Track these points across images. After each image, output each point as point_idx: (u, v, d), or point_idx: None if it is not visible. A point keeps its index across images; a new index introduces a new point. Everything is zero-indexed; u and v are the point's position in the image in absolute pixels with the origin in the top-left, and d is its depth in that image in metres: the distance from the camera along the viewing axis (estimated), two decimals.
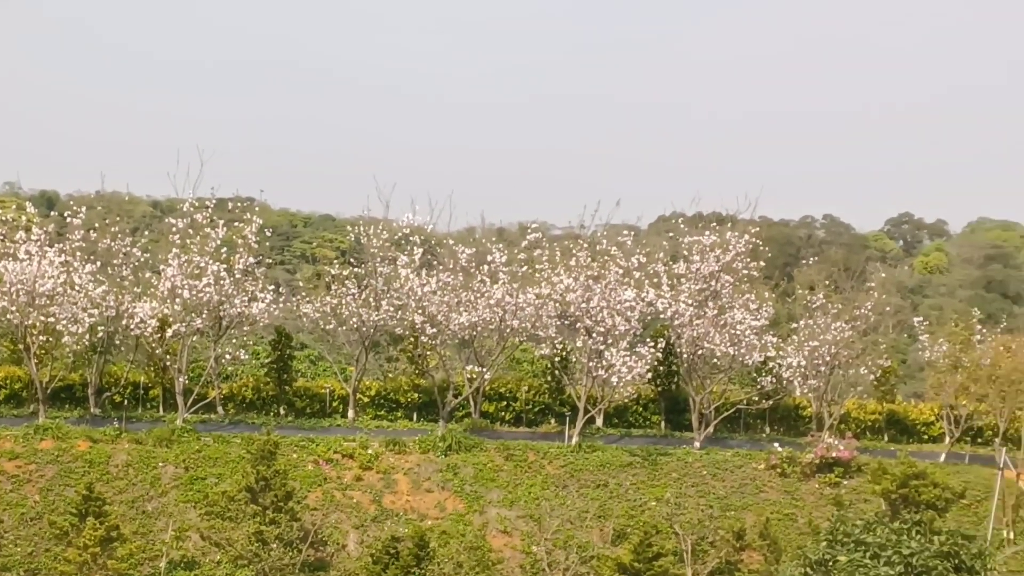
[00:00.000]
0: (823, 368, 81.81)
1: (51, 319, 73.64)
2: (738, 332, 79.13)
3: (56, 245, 76.25)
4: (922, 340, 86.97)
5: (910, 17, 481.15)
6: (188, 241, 76.25)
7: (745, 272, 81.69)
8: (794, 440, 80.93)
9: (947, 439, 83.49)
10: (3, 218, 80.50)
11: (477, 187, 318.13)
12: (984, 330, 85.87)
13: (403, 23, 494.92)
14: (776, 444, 78.80)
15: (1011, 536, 73.78)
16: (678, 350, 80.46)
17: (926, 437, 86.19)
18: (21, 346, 75.37)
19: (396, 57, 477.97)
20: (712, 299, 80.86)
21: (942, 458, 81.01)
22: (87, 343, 75.65)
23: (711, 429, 79.90)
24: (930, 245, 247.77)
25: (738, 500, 73.90)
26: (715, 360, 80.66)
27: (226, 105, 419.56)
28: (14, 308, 73.41)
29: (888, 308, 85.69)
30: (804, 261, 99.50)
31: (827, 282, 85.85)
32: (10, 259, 74.48)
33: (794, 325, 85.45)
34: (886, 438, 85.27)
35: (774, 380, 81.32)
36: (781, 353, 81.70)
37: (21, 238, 75.65)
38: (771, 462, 76.91)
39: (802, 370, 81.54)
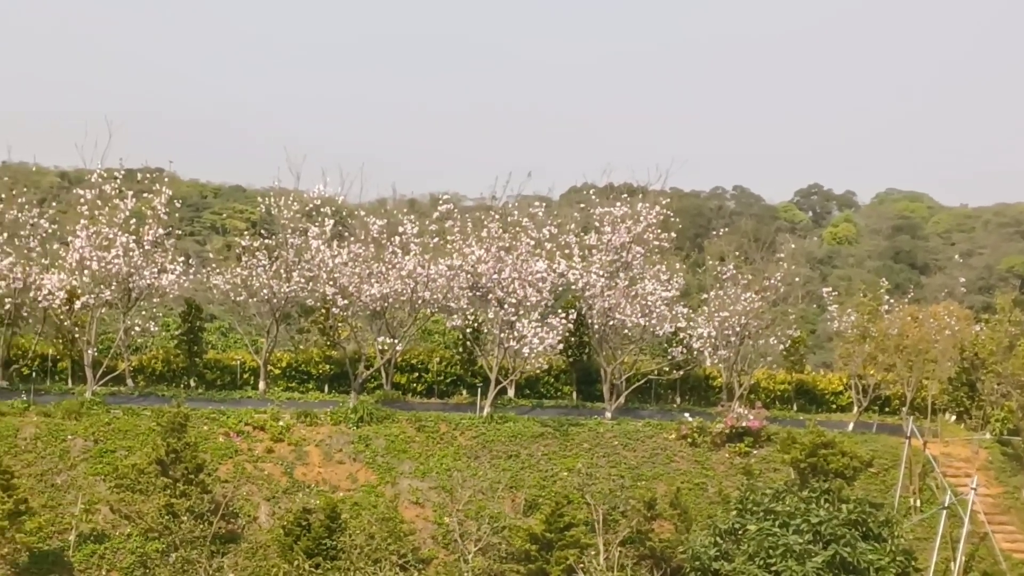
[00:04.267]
0: (733, 338, 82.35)
1: None
2: (649, 303, 79.43)
3: None
4: (831, 310, 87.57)
5: None
6: (96, 212, 75.49)
7: (656, 243, 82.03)
8: (704, 410, 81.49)
9: (855, 408, 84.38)
10: None
11: (389, 158, 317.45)
12: (892, 300, 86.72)
13: None
14: (687, 414, 79.23)
15: (917, 504, 74.68)
16: (589, 321, 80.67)
17: (834, 407, 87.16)
18: None
19: (305, 26, 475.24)
20: (623, 270, 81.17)
21: (850, 427, 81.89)
22: None
23: (622, 400, 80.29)
24: (839, 216, 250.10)
25: (649, 470, 74.32)
26: (626, 331, 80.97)
27: (134, 74, 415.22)
28: None
29: (797, 279, 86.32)
30: (714, 232, 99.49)
31: (737, 253, 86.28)
32: None
33: (704, 296, 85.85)
34: (795, 408, 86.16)
35: (685, 351, 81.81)
36: (692, 324, 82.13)
37: None
38: (682, 432, 77.36)
39: (712, 340, 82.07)
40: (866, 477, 73.42)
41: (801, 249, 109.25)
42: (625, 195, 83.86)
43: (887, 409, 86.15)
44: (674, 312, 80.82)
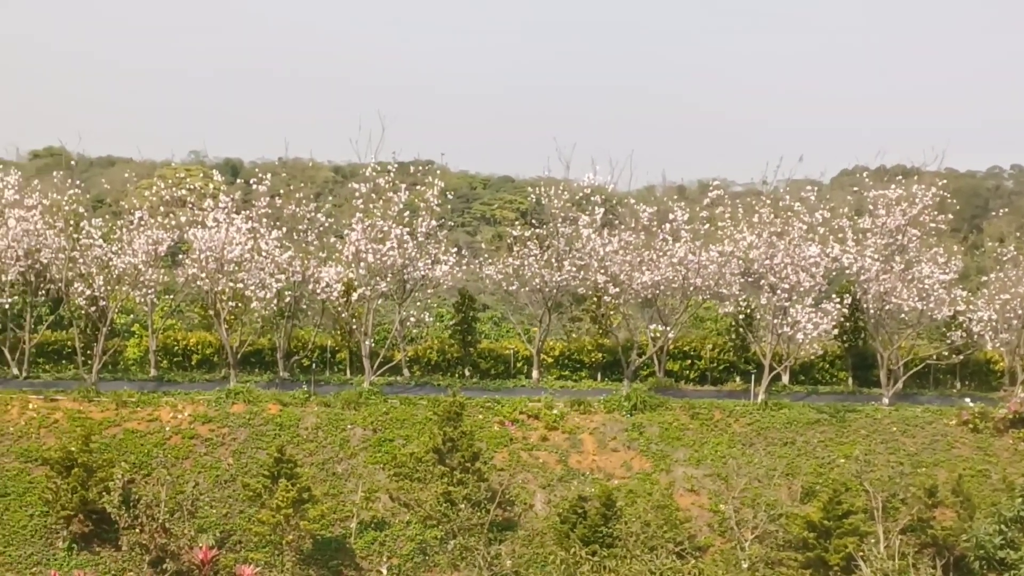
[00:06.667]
0: (1015, 321, 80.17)
1: (240, 285, 75.09)
2: (926, 286, 77.70)
3: (243, 212, 77.58)
4: None
5: None
6: (371, 205, 77.03)
7: (932, 225, 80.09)
8: (986, 395, 79.48)
9: None
10: (191, 186, 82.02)
11: (655, 145, 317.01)
12: None
13: None
14: (967, 399, 77.33)
15: None
16: (864, 306, 79.32)
17: None
18: (211, 312, 77.05)
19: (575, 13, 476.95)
20: (899, 253, 79.55)
21: None
22: (275, 308, 76.93)
23: (900, 385, 78.75)
24: None
25: (929, 457, 72.60)
26: (903, 315, 79.40)
27: (402, 69, 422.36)
28: (204, 275, 74.98)
29: None
30: (993, 213, 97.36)
31: (1018, 233, 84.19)
32: (199, 227, 75.99)
33: (984, 278, 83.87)
34: None
35: (964, 334, 79.87)
36: (971, 307, 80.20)
37: (209, 206, 77.16)
38: (962, 418, 75.38)
39: (993, 324, 80.00)
40: None
41: None
42: (899, 177, 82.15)
43: None
44: (952, 295, 78.96)
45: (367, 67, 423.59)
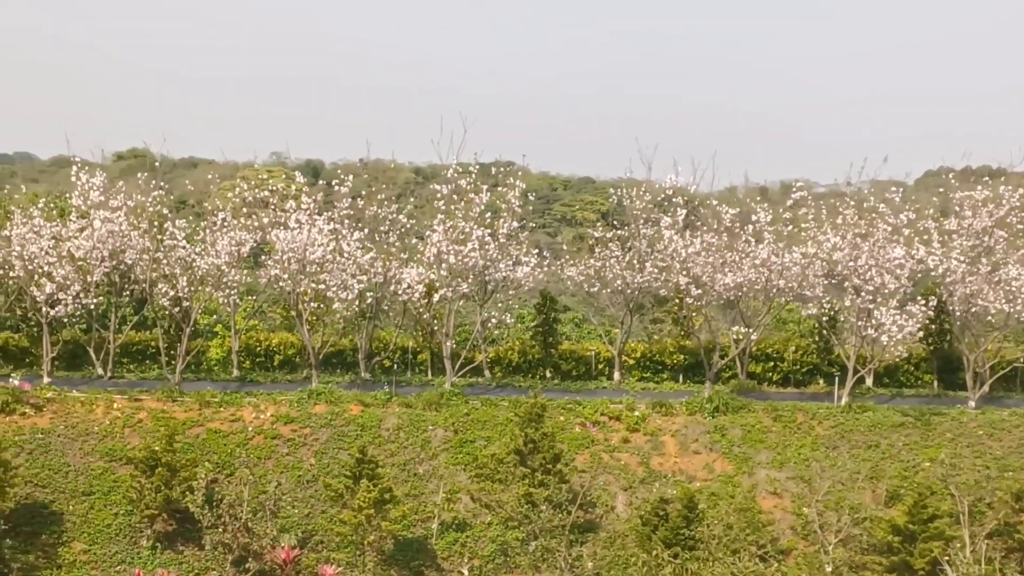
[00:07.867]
0: None
1: (322, 286, 75.34)
2: (1013, 288, 76.69)
3: (325, 213, 77.79)
4: None
5: None
6: (452, 207, 77.06)
7: (1020, 227, 79.13)
8: None
9: None
10: (273, 188, 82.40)
11: (737, 146, 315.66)
12: None
13: None
14: None
15: None
16: (950, 308, 78.49)
17: None
18: (293, 313, 77.45)
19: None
20: (985, 255, 78.70)
21: None
22: (357, 309, 77.16)
23: (986, 388, 77.82)
24: None
25: (1016, 460, 71.59)
26: (989, 317, 78.39)
27: (484, 72, 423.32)
28: (286, 276, 75.32)
29: None
30: None
31: None
32: (281, 228, 76.29)
33: None
34: None
35: None
36: None
37: (291, 207, 77.45)
38: None
39: None
40: None
41: None
42: (986, 178, 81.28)
43: None
44: None
45: (450, 71, 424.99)
